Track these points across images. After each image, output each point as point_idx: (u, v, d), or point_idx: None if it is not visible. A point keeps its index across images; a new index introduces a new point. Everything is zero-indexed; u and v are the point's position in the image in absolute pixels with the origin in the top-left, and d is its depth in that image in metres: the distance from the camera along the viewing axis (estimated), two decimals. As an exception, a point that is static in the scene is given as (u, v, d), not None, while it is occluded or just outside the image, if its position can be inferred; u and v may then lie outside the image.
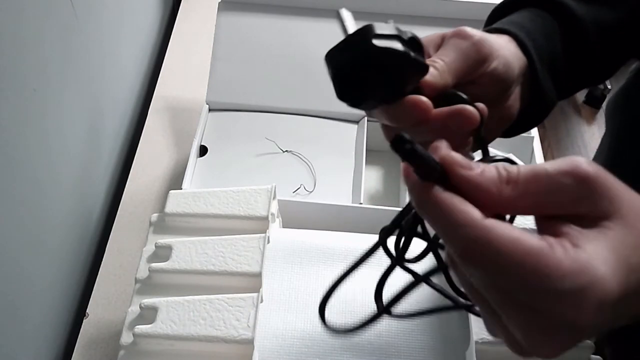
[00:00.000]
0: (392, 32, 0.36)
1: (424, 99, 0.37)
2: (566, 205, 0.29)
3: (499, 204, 0.30)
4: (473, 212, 0.29)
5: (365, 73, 0.37)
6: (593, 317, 0.27)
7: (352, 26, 0.39)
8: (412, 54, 0.36)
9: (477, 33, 0.41)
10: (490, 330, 0.34)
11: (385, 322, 0.56)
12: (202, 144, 0.79)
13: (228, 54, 0.83)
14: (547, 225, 0.31)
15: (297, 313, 0.56)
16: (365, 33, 0.36)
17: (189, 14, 1.06)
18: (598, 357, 0.54)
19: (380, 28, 0.36)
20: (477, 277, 0.29)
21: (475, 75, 0.40)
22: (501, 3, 0.50)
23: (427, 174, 0.31)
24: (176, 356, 0.52)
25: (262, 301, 0.54)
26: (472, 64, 0.40)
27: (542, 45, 0.44)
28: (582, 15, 0.46)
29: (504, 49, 0.42)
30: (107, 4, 0.79)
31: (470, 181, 0.30)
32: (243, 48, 0.84)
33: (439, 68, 0.39)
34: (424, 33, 0.87)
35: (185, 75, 0.95)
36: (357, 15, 0.92)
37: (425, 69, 0.38)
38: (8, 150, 0.54)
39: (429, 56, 0.41)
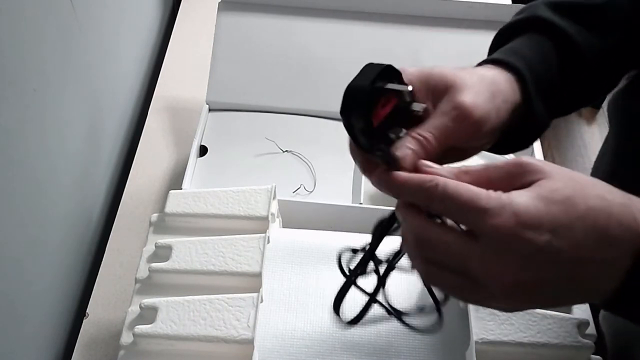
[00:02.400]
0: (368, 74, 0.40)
1: (399, 177, 0.39)
2: (505, 181, 0.36)
3: None
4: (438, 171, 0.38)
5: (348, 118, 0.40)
6: (513, 229, 0.34)
7: None
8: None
9: (477, 111, 0.41)
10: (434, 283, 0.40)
11: (385, 322, 0.56)
12: (202, 144, 0.79)
13: (228, 54, 0.83)
14: None
15: (297, 313, 0.56)
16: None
17: (189, 14, 1.06)
18: (598, 357, 0.54)
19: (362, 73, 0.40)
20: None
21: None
22: (503, 28, 0.51)
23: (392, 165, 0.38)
24: (176, 356, 0.52)
25: (262, 301, 0.54)
26: (463, 140, 0.42)
27: (540, 74, 0.46)
28: (579, 41, 0.48)
29: (499, 109, 0.43)
30: (107, 4, 0.79)
31: (434, 172, 0.38)
32: (243, 48, 0.84)
33: (429, 149, 0.40)
34: (424, 33, 0.87)
35: (185, 75, 0.95)
36: (357, 15, 0.93)
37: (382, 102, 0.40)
38: (8, 150, 0.54)
39: (417, 100, 0.42)
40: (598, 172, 0.64)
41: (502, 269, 0.34)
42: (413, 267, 0.39)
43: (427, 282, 0.44)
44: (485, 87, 0.42)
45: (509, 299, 0.36)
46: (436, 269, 0.37)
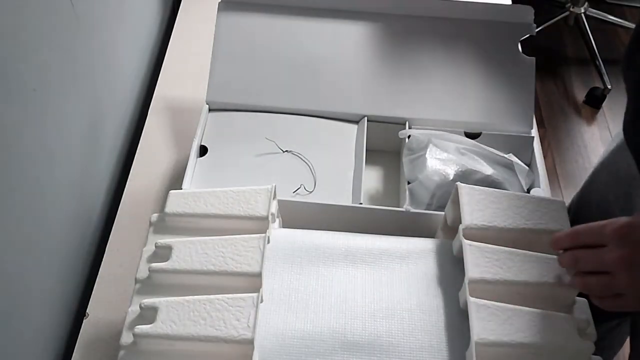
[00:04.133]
0: None
1: None
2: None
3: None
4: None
5: None
6: (624, 227, 0.50)
7: None
8: None
9: None
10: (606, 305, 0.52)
11: (385, 322, 0.56)
12: (202, 144, 0.79)
13: (228, 54, 0.83)
14: None
15: (297, 313, 0.56)
16: None
17: (189, 14, 1.06)
18: (598, 357, 0.54)
19: None
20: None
21: None
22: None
23: None
24: (176, 356, 0.52)
25: (262, 301, 0.54)
26: None
27: None
28: None
29: None
30: (107, 4, 0.79)
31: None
32: (243, 48, 0.84)
33: None
34: (423, 33, 0.87)
35: (185, 75, 0.95)
36: (357, 15, 0.92)
37: None
38: (8, 150, 0.54)
39: None
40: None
41: (623, 253, 0.49)
42: (577, 284, 0.54)
43: (586, 291, 0.54)
44: None
45: (632, 277, 0.49)
46: (588, 277, 0.53)
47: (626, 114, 0.63)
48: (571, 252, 0.54)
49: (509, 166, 0.78)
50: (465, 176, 0.73)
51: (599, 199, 0.77)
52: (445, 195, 0.72)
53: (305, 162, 0.78)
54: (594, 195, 0.77)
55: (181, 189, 0.71)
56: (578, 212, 0.83)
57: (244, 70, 0.83)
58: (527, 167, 0.78)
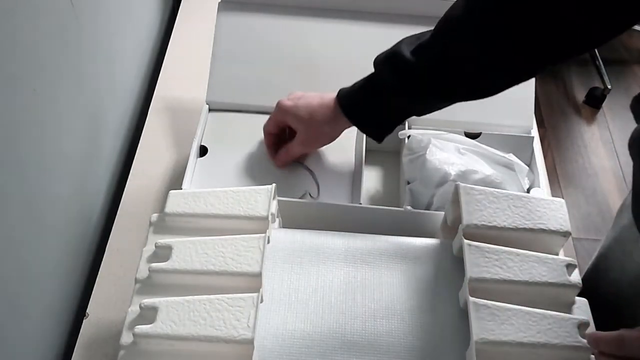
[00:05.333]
0: None
1: None
2: None
3: None
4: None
5: None
6: None
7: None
8: None
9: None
10: None
11: (385, 322, 0.56)
12: (202, 144, 0.79)
13: (228, 54, 0.83)
14: None
15: (297, 313, 0.56)
16: None
17: (189, 14, 1.06)
18: None
19: None
20: None
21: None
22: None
23: None
24: (176, 356, 0.52)
25: (262, 301, 0.54)
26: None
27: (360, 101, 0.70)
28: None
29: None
30: (107, 4, 0.79)
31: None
32: (243, 48, 0.84)
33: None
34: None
35: (185, 75, 0.95)
36: (357, 15, 0.92)
37: None
38: (8, 150, 0.54)
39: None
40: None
41: None
42: None
43: None
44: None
45: None
46: None
47: (633, 191, 0.63)
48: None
49: (509, 166, 0.78)
50: (465, 176, 0.73)
51: (616, 277, 0.74)
52: (445, 195, 0.72)
53: (305, 163, 0.78)
54: (611, 272, 0.75)
55: (181, 189, 0.71)
56: (594, 288, 0.76)
57: (244, 70, 0.83)
58: (527, 167, 0.78)
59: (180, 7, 1.07)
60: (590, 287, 0.67)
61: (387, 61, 0.66)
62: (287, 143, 0.75)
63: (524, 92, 0.82)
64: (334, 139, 0.74)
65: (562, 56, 0.61)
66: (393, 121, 0.70)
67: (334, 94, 0.71)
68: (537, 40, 0.58)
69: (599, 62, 2.07)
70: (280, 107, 0.74)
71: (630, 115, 0.63)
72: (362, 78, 0.69)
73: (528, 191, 0.77)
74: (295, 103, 0.73)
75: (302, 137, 0.74)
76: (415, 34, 0.67)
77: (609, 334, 0.50)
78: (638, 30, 2.24)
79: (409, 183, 0.76)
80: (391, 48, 0.67)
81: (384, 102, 0.68)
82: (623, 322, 0.66)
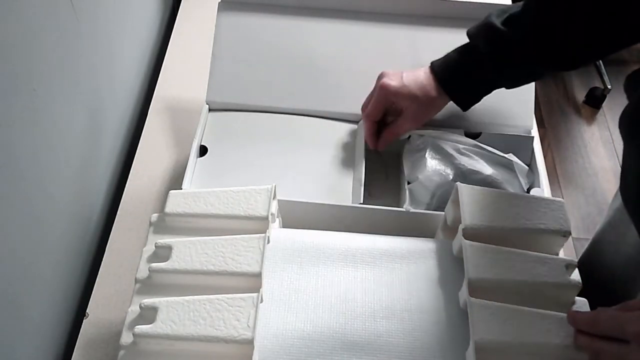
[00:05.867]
0: None
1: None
2: None
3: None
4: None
5: None
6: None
7: None
8: None
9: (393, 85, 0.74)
10: None
11: (385, 322, 0.56)
12: (202, 144, 0.79)
13: (228, 53, 0.83)
14: None
15: (297, 313, 0.56)
16: None
17: (189, 14, 1.06)
18: None
19: None
20: None
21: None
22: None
23: None
24: (176, 356, 0.52)
25: (262, 301, 0.54)
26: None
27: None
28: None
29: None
30: (107, 4, 0.79)
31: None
32: (243, 48, 0.84)
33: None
34: (422, 33, 0.87)
35: (185, 75, 0.95)
36: (357, 15, 0.92)
37: None
38: (8, 150, 0.54)
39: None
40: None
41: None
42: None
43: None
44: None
45: None
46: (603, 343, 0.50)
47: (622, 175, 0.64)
48: (591, 340, 0.51)
49: (509, 166, 0.78)
50: (465, 176, 0.73)
51: (610, 260, 0.75)
52: (445, 195, 0.72)
53: (305, 163, 0.78)
54: (605, 255, 0.76)
55: (181, 189, 0.71)
56: (589, 272, 0.77)
57: (244, 70, 0.83)
58: (527, 167, 0.78)
59: (180, 7, 1.07)
60: (585, 271, 0.68)
61: (480, 33, 0.70)
62: (390, 123, 0.76)
63: (524, 92, 0.82)
64: (440, 111, 0.77)
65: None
66: (482, 91, 0.73)
67: (422, 69, 0.74)
68: (623, 11, 0.60)
69: (599, 62, 2.07)
70: (388, 89, 0.74)
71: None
72: (455, 50, 0.73)
73: (528, 191, 0.77)
74: (401, 82, 0.73)
75: (414, 112, 0.74)
76: (502, 7, 0.70)
77: (585, 313, 0.52)
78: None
79: (409, 183, 0.76)
80: (483, 21, 0.70)
81: (478, 72, 0.71)
82: (618, 303, 0.66)
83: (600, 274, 0.75)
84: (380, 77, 0.75)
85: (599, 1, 0.60)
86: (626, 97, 0.64)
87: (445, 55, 0.73)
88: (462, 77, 0.72)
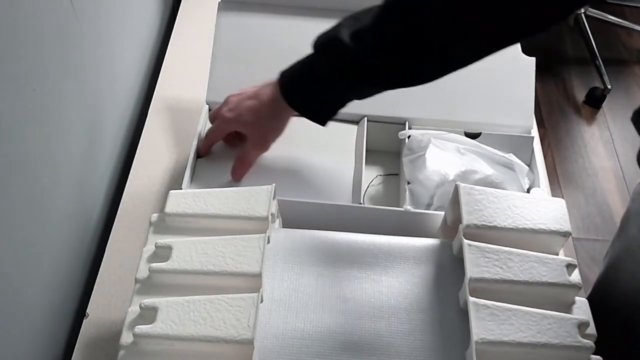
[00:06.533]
0: None
1: None
2: None
3: None
4: None
5: None
6: None
7: None
8: None
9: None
10: None
11: (385, 322, 0.56)
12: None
13: (228, 53, 0.83)
14: None
15: (297, 313, 0.56)
16: None
17: (189, 14, 1.06)
18: (598, 357, 0.54)
19: None
20: None
21: None
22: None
23: None
24: (176, 356, 0.52)
25: (262, 301, 0.54)
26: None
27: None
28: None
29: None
30: (107, 4, 0.79)
31: None
32: (243, 48, 0.84)
33: None
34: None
35: (185, 75, 0.95)
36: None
37: None
38: (8, 150, 0.54)
39: None
40: None
41: None
42: None
43: None
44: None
45: None
46: None
47: None
48: None
49: (509, 166, 0.78)
50: (465, 176, 0.73)
51: (626, 287, 0.71)
52: (445, 195, 0.72)
53: (306, 162, 0.78)
54: (620, 283, 0.72)
55: (181, 189, 0.71)
56: (603, 299, 0.75)
57: (244, 70, 0.83)
58: (527, 167, 0.78)
59: (180, 7, 1.07)
60: (600, 300, 0.66)
61: (326, 47, 0.66)
62: (239, 154, 0.75)
63: (524, 92, 0.82)
64: (283, 130, 0.74)
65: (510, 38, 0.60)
66: (334, 106, 0.70)
67: (271, 83, 0.71)
68: (476, 23, 0.58)
69: (599, 62, 2.07)
70: (223, 120, 0.74)
71: (630, 116, 0.63)
72: (301, 61, 0.69)
73: (528, 191, 0.77)
74: (236, 112, 0.73)
75: (255, 140, 0.74)
76: (355, 13, 0.65)
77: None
78: (638, 30, 2.24)
79: (409, 183, 0.76)
80: (331, 30, 0.66)
81: (324, 88, 0.68)
82: (636, 332, 0.65)
83: (617, 303, 0.72)
84: (223, 104, 0.75)
85: (446, 24, 0.58)
86: (635, 130, 0.63)
87: (292, 67, 0.70)
88: (309, 95, 0.70)
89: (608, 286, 0.75)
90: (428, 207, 0.74)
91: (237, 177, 0.76)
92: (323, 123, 0.72)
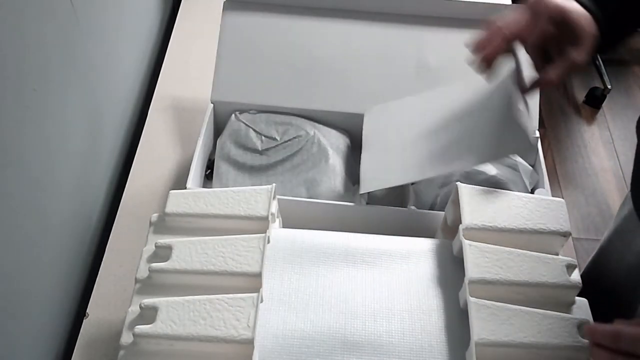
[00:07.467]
0: None
1: None
2: None
3: None
4: None
5: None
6: None
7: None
8: None
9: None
10: None
11: (385, 322, 0.56)
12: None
13: (233, 53, 0.83)
14: None
15: (297, 313, 0.56)
16: None
17: (189, 14, 1.06)
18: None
19: None
20: None
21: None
22: None
23: None
24: (176, 356, 0.52)
25: (262, 301, 0.54)
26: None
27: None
28: None
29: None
30: (107, 4, 0.79)
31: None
32: (248, 47, 0.84)
33: None
34: (423, 33, 0.87)
35: (186, 75, 0.95)
36: (361, 15, 0.92)
37: None
38: (8, 150, 0.54)
39: None
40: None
41: None
42: None
43: None
44: None
45: None
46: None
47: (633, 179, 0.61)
48: (611, 356, 0.48)
49: (514, 166, 0.77)
50: (470, 177, 0.73)
51: (615, 268, 0.74)
52: (449, 195, 0.72)
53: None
54: (611, 264, 0.74)
55: (185, 188, 0.71)
56: (594, 280, 0.76)
57: (249, 69, 0.83)
58: (531, 168, 0.78)
59: (181, 7, 1.07)
60: (590, 280, 0.66)
61: None
62: (559, 55, 0.58)
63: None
64: None
65: None
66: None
67: None
68: None
69: (599, 62, 2.07)
70: (546, 5, 0.56)
71: (630, 116, 0.63)
72: None
73: (532, 192, 0.77)
74: None
75: (592, 31, 0.58)
76: None
77: (605, 327, 0.48)
78: (638, 31, 2.24)
79: (413, 183, 0.76)
80: None
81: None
82: (621, 311, 0.66)
83: (605, 282, 0.73)
84: None
85: None
86: (637, 137, 0.62)
87: None
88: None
89: (598, 268, 0.76)
90: (432, 207, 0.74)
91: (556, 81, 0.59)
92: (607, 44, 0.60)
